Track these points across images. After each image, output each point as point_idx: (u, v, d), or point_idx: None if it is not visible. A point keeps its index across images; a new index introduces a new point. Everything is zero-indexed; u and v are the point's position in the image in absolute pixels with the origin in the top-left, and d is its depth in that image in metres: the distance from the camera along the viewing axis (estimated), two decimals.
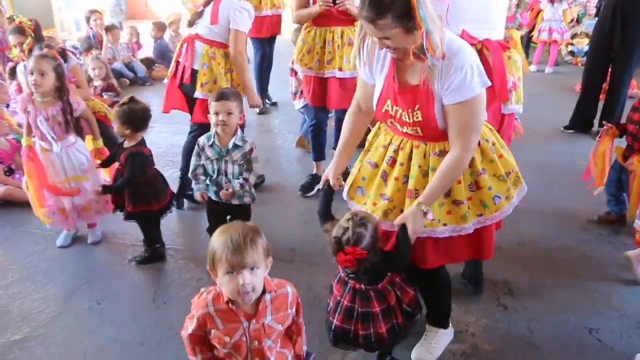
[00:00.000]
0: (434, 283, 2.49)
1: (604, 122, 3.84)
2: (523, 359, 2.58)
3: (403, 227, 2.07)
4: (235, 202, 3.14)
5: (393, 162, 2.25)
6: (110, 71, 6.57)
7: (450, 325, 2.69)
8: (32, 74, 3.20)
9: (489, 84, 2.06)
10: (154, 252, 3.43)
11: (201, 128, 3.71)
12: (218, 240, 1.67)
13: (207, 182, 3.15)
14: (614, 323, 2.82)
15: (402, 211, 2.18)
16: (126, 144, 3.24)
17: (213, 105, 2.97)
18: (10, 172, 4.44)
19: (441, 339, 2.63)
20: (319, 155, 4.41)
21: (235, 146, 3.03)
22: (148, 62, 8.27)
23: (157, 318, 2.92)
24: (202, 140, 3.10)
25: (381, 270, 2.20)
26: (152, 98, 6.25)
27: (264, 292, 1.75)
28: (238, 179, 3.07)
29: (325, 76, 3.95)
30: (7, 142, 4.53)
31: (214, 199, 3.18)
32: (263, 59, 6.19)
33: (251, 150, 3.05)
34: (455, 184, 2.16)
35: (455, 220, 2.21)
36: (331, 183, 2.41)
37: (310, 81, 4.03)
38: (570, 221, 3.85)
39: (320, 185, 2.52)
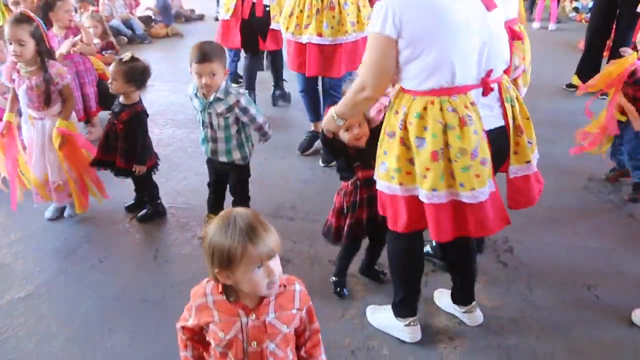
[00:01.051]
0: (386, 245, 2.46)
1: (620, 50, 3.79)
2: (521, 315, 2.60)
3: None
4: (222, 159, 3.03)
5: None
6: (108, 29, 6.48)
7: (398, 321, 2.46)
8: (10, 44, 3.08)
9: (385, 34, 1.97)
10: (155, 209, 3.45)
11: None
12: (225, 236, 1.43)
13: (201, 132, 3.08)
14: (612, 281, 2.84)
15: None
16: (123, 101, 3.22)
17: (195, 67, 2.80)
18: None
19: (385, 313, 2.53)
20: (316, 115, 4.28)
21: (218, 99, 2.87)
22: (146, 20, 8.15)
23: (158, 276, 2.94)
24: (190, 89, 3.00)
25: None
26: (151, 56, 6.18)
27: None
28: (227, 132, 2.95)
29: (303, 42, 3.85)
30: None
31: (207, 154, 3.11)
32: None
33: (237, 102, 2.87)
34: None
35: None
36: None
37: (290, 45, 3.96)
38: (571, 179, 3.85)
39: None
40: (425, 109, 2.01)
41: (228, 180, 3.16)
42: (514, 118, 2.14)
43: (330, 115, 2.29)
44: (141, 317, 2.63)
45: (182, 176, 3.95)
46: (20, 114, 3.40)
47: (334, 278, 2.75)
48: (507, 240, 3.16)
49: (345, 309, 2.65)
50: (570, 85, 5.68)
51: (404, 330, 2.45)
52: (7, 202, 3.40)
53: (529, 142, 2.19)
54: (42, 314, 2.69)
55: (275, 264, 1.47)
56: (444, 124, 1.99)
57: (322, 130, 2.42)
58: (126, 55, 3.18)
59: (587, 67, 5.62)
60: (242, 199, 3.14)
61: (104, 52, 5.79)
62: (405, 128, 2.06)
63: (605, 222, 3.35)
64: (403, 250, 2.36)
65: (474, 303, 2.55)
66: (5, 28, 3.17)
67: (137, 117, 3.23)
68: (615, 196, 3.63)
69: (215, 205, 3.20)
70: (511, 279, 2.86)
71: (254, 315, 1.54)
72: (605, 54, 5.63)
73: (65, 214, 3.52)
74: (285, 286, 1.59)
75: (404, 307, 2.45)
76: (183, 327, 1.64)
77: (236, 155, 3.02)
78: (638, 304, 2.58)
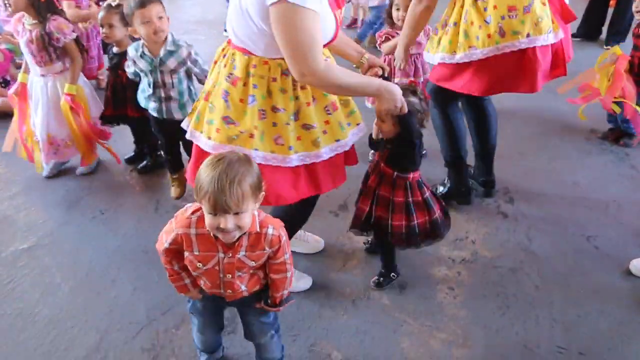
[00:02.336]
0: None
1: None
2: (521, 265, 2.63)
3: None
4: (177, 116, 2.87)
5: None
6: None
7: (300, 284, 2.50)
8: None
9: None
10: (155, 161, 3.44)
11: None
12: (205, 174, 1.50)
13: (146, 96, 2.93)
14: (611, 231, 2.85)
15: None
16: (119, 50, 3.18)
17: (139, 14, 2.63)
18: (5, 84, 4.37)
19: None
20: None
21: (169, 53, 2.73)
22: None
23: (160, 227, 2.92)
24: (131, 51, 2.84)
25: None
26: None
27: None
28: (181, 87, 2.82)
29: None
30: (0, 52, 4.42)
31: (157, 116, 2.95)
32: None
33: (189, 54, 2.77)
34: (305, 106, 1.95)
35: (305, 147, 2.00)
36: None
37: None
38: (573, 131, 3.83)
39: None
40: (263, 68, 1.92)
41: (180, 138, 3.00)
42: None
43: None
44: (144, 268, 2.66)
45: None
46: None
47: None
48: (508, 191, 3.17)
49: (346, 260, 2.67)
50: (574, 35, 5.58)
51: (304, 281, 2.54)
52: (8, 155, 3.39)
53: None
54: (45, 265, 2.71)
55: (234, 219, 1.52)
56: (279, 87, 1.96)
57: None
58: (114, 1, 3.10)
59: (593, 16, 5.52)
60: None
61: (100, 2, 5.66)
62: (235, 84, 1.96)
63: (606, 174, 3.35)
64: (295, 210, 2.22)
65: None
66: None
67: None
68: (616, 148, 3.61)
69: (175, 165, 3.14)
70: (511, 230, 2.87)
71: (230, 253, 1.65)
72: (612, 2, 5.51)
73: (78, 172, 3.46)
74: (258, 230, 1.66)
75: None
76: (165, 250, 1.73)
77: (190, 109, 2.83)
78: (636, 255, 2.60)
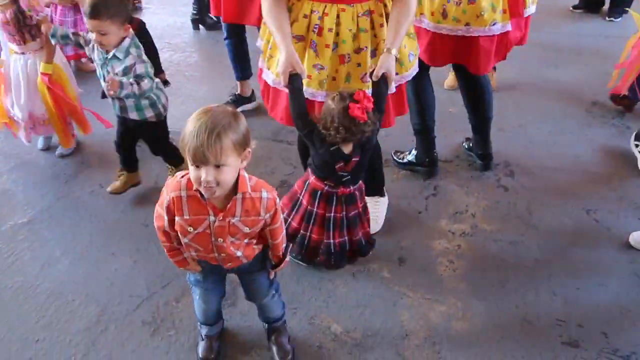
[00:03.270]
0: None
1: None
2: (521, 238, 2.63)
3: (383, 77, 2.08)
4: (133, 116, 2.74)
5: (320, 30, 2.14)
6: None
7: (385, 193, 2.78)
8: None
9: None
10: None
11: None
12: (189, 125, 1.50)
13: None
14: (611, 204, 2.85)
15: (334, 79, 2.19)
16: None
17: (86, 22, 2.54)
18: None
19: (382, 207, 2.74)
20: (243, 72, 3.74)
21: (115, 57, 2.58)
22: None
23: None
24: (92, 35, 2.61)
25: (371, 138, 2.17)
26: None
27: (236, 191, 1.62)
28: (127, 93, 2.59)
29: None
30: None
31: (115, 111, 2.82)
32: None
33: (132, 65, 2.57)
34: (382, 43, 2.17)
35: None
36: (300, 72, 2.09)
37: None
38: (575, 103, 3.79)
39: (282, 83, 2.13)
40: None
41: (140, 137, 2.93)
42: None
43: (393, 57, 2.09)
44: (143, 241, 2.65)
45: (180, 101, 3.89)
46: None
47: None
48: (508, 164, 3.15)
49: None
50: (575, 7, 5.52)
51: (386, 199, 2.78)
52: (5, 129, 3.36)
53: None
54: (45, 239, 2.71)
55: (215, 172, 1.50)
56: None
57: (386, 81, 2.10)
58: None
59: None
60: (167, 156, 3.00)
61: None
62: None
63: (607, 147, 3.33)
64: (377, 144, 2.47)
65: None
66: None
67: (141, 27, 3.21)
68: (618, 121, 3.58)
69: (127, 161, 2.97)
70: (512, 203, 2.87)
71: (221, 216, 1.64)
72: None
73: (57, 153, 3.37)
74: (250, 193, 1.64)
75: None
76: (161, 227, 1.73)
77: (149, 113, 2.75)
78: (636, 228, 2.60)
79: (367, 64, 2.16)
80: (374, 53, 2.18)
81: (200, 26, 5.18)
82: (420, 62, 2.78)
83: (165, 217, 1.70)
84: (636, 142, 3.20)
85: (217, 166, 1.50)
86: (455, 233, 2.67)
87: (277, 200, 1.73)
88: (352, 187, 2.25)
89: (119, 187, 2.96)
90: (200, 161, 1.49)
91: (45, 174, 3.21)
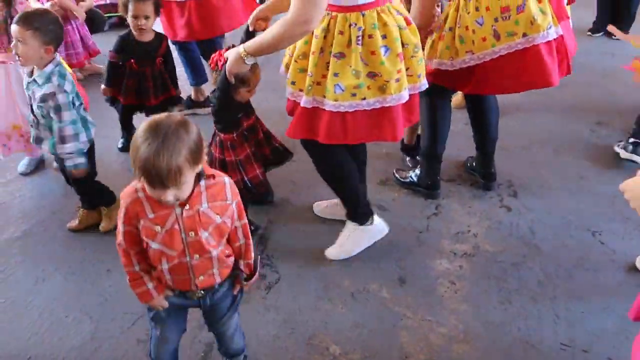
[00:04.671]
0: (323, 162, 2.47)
1: None
2: (524, 260, 2.57)
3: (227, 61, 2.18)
4: (45, 148, 2.62)
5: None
6: None
7: (375, 223, 2.61)
8: None
9: None
10: None
11: None
12: (139, 146, 1.38)
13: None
14: (617, 225, 2.79)
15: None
16: (148, 38, 3.26)
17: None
18: None
19: (352, 234, 2.59)
20: (196, 79, 3.94)
21: (34, 82, 2.44)
22: None
23: None
24: None
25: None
26: None
27: (199, 178, 1.53)
28: (47, 122, 2.49)
29: None
30: None
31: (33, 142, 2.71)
32: None
33: (53, 94, 2.39)
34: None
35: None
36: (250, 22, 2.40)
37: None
38: (579, 122, 3.76)
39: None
40: (379, 18, 2.08)
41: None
42: None
43: (238, 54, 2.11)
44: None
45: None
46: None
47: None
48: (512, 184, 3.11)
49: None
50: (593, 30, 5.43)
51: (372, 229, 2.60)
52: None
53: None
54: (39, 253, 2.67)
55: (168, 193, 1.41)
56: (398, 26, 2.12)
57: (223, 78, 2.24)
58: None
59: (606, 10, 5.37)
60: (91, 198, 2.79)
61: None
62: (364, 43, 2.09)
63: (612, 167, 3.29)
64: (338, 163, 2.43)
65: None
66: None
67: (167, 42, 3.34)
68: (624, 139, 3.54)
69: (85, 201, 2.83)
70: (514, 224, 2.82)
71: (187, 205, 1.52)
72: None
73: (54, 166, 3.19)
74: (214, 177, 1.57)
75: (362, 213, 2.57)
76: (121, 242, 1.59)
77: (76, 170, 2.56)
78: None
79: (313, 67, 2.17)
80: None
81: None
82: (443, 89, 2.76)
83: (122, 229, 1.57)
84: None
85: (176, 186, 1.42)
86: (457, 253, 2.62)
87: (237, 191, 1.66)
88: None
89: (78, 226, 2.83)
90: (157, 187, 1.40)
91: (42, 187, 3.19)
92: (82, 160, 2.54)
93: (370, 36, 2.08)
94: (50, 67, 2.43)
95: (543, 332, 2.20)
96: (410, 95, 2.27)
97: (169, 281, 1.65)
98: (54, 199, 3.06)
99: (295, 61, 2.24)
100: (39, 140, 2.63)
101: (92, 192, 2.78)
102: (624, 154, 3.26)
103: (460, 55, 2.58)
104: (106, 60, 3.33)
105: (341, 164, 2.43)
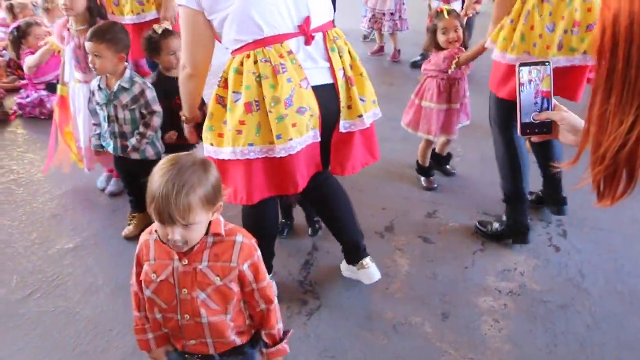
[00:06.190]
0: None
1: None
2: (572, 302, 2.51)
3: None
4: (135, 156, 2.83)
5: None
6: None
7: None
8: None
9: (188, 6, 2.02)
10: None
11: None
12: (155, 180, 1.35)
13: (101, 132, 2.90)
14: None
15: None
16: (174, 74, 3.15)
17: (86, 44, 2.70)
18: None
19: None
20: None
21: (122, 88, 2.71)
22: None
23: None
24: (94, 82, 2.84)
25: None
26: None
27: (207, 233, 1.46)
28: (134, 126, 2.77)
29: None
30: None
31: (113, 153, 2.89)
32: None
33: (142, 91, 2.73)
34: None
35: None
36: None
37: None
38: None
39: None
40: (241, 64, 2.00)
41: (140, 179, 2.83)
42: (344, 69, 2.12)
43: (184, 121, 2.44)
44: None
45: None
46: None
47: None
48: (561, 223, 3.04)
49: (389, 282, 2.61)
50: None
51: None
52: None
53: (361, 99, 2.17)
54: (89, 266, 2.74)
55: (182, 231, 1.36)
56: (257, 74, 1.97)
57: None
58: (160, 27, 3.00)
59: None
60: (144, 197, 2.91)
61: None
62: (224, 86, 2.06)
63: None
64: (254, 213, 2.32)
65: (366, 260, 2.49)
66: None
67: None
68: None
69: (138, 203, 2.98)
70: (563, 264, 2.75)
71: (186, 260, 1.46)
72: None
73: (107, 191, 3.38)
74: (223, 234, 1.48)
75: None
76: (134, 284, 1.57)
77: (149, 152, 2.84)
78: None
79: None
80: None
81: None
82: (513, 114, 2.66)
83: (134, 270, 1.54)
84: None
85: (185, 225, 1.36)
86: (502, 291, 2.57)
87: (258, 251, 1.53)
88: None
89: (135, 231, 2.91)
90: (166, 222, 1.35)
91: (94, 201, 3.28)
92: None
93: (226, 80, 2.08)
94: (129, 72, 2.76)
95: None
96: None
97: (168, 333, 1.59)
98: (105, 215, 3.15)
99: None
100: (124, 149, 2.82)
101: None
102: None
103: (516, 51, 2.48)
104: None
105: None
